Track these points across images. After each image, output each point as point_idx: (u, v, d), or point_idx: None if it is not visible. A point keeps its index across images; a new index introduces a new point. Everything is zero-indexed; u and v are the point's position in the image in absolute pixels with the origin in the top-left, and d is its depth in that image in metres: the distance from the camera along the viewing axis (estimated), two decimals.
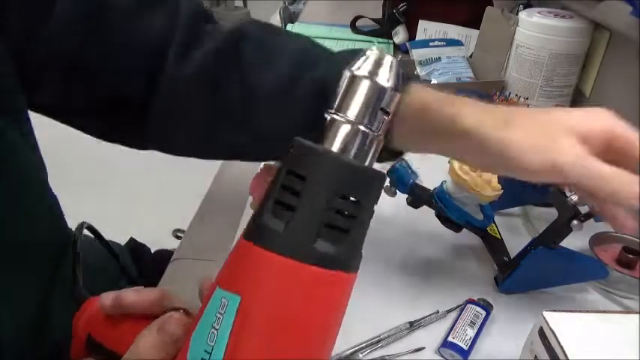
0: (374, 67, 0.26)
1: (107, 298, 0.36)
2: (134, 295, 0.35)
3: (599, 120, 0.42)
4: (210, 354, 0.25)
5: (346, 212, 0.25)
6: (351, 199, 0.25)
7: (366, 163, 0.26)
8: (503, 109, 0.43)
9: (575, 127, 0.40)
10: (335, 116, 0.26)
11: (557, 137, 0.39)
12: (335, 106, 0.26)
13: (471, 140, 0.41)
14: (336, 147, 0.26)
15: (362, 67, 0.26)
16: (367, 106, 0.25)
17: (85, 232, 0.62)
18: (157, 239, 0.86)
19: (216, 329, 0.25)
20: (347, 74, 0.26)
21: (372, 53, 0.26)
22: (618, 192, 0.38)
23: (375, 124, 0.26)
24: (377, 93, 0.25)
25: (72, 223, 0.61)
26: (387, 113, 0.26)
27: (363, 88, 0.25)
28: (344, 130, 0.25)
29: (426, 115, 0.43)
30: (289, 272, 0.25)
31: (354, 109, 0.25)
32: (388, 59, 0.26)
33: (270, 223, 0.25)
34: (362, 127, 0.26)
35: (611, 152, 0.41)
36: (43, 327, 0.45)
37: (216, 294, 0.26)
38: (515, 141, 0.40)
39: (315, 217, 0.25)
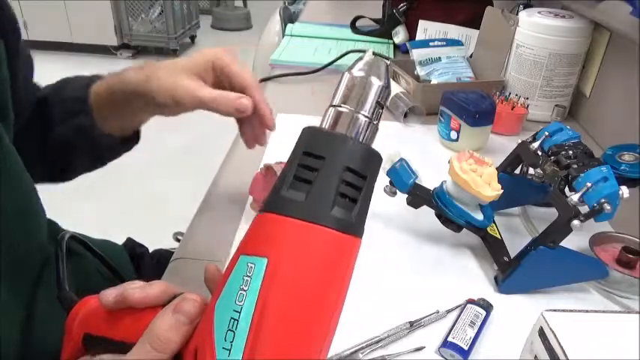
0: (369, 68, 0.31)
1: (109, 295, 0.36)
2: (139, 293, 0.35)
3: (202, 54, 0.59)
4: (240, 312, 0.28)
5: (355, 185, 0.30)
6: (359, 174, 0.30)
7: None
8: (148, 69, 0.58)
9: (187, 66, 0.57)
10: (341, 108, 0.31)
11: (177, 79, 0.56)
12: (338, 100, 0.31)
13: (142, 96, 0.57)
14: (345, 132, 0.31)
15: (361, 68, 0.31)
16: (367, 100, 0.31)
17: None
18: (156, 240, 0.86)
19: (245, 290, 0.28)
20: (347, 75, 0.32)
21: (368, 57, 0.32)
22: (225, 107, 0.55)
23: (372, 113, 0.31)
24: (374, 90, 0.31)
25: (73, 226, 0.61)
26: (382, 106, 0.31)
27: (363, 86, 0.31)
28: (351, 119, 0.31)
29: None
30: (312, 235, 0.29)
31: (356, 102, 0.31)
32: (380, 62, 0.32)
33: (290, 195, 0.29)
34: (363, 117, 0.31)
35: (223, 78, 0.58)
36: (29, 336, 0.45)
37: (240, 261, 0.29)
38: (154, 90, 0.56)
39: (332, 188, 0.29)
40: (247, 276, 0.29)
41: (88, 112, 0.60)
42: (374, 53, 0.32)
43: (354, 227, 0.30)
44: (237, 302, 0.28)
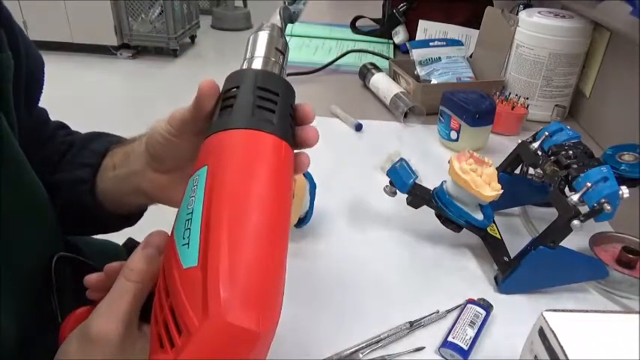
0: (268, 27, 0.41)
1: (92, 275, 0.39)
2: (118, 264, 0.38)
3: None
4: (192, 213, 0.32)
5: (270, 99, 0.36)
6: (270, 90, 0.37)
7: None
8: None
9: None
10: (250, 54, 0.39)
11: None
12: (249, 51, 0.40)
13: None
14: (255, 67, 0.39)
15: (263, 28, 0.41)
16: (269, 46, 0.40)
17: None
18: None
19: (194, 196, 0.32)
20: (251, 36, 0.41)
21: (266, 25, 0.41)
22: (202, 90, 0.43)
23: (274, 55, 0.40)
24: (271, 39, 0.40)
25: None
26: (280, 51, 0.40)
27: (265, 38, 0.40)
28: (251, 59, 0.39)
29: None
30: (236, 137, 0.34)
31: (252, 50, 0.40)
32: (275, 25, 0.41)
33: (216, 120, 0.37)
34: (260, 57, 0.39)
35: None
36: (29, 337, 0.45)
37: (189, 182, 0.34)
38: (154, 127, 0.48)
39: (248, 103, 0.36)
40: (194, 185, 0.33)
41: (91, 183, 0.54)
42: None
43: (273, 128, 0.35)
44: (188, 207, 0.32)
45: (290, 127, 0.38)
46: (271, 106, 0.36)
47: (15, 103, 0.47)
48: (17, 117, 0.48)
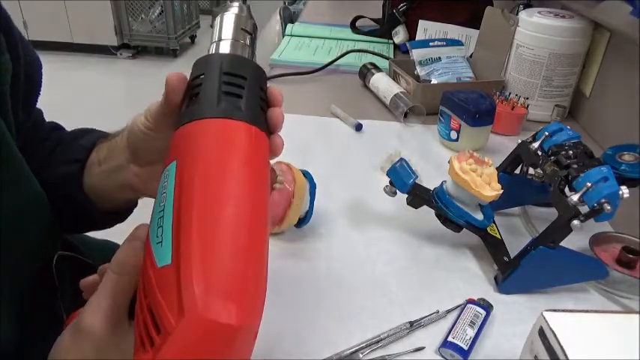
0: (235, 7, 0.40)
1: (88, 278, 0.39)
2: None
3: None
4: (164, 210, 0.31)
5: (237, 84, 0.35)
6: (237, 74, 0.36)
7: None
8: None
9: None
10: (217, 37, 0.39)
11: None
12: (216, 34, 0.39)
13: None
14: (222, 51, 0.38)
15: (229, 10, 0.39)
16: (236, 28, 0.39)
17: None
18: None
19: (165, 192, 0.32)
20: (218, 18, 0.40)
21: (233, 5, 0.40)
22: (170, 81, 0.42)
23: (242, 37, 0.39)
24: (238, 20, 0.39)
25: None
26: (248, 32, 0.39)
27: (231, 20, 0.39)
28: (217, 43, 0.38)
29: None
30: (202, 127, 0.34)
31: (228, 31, 0.39)
32: (243, 5, 0.40)
33: (185, 110, 0.36)
34: (227, 40, 0.38)
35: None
36: (28, 339, 0.45)
37: (160, 181, 0.34)
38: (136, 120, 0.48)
39: (214, 90, 0.35)
40: (165, 182, 0.33)
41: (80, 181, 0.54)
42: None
43: (242, 114, 0.34)
44: (160, 204, 0.32)
45: (262, 111, 0.37)
46: (238, 91, 0.35)
47: (13, 106, 0.48)
48: (15, 119, 0.48)
